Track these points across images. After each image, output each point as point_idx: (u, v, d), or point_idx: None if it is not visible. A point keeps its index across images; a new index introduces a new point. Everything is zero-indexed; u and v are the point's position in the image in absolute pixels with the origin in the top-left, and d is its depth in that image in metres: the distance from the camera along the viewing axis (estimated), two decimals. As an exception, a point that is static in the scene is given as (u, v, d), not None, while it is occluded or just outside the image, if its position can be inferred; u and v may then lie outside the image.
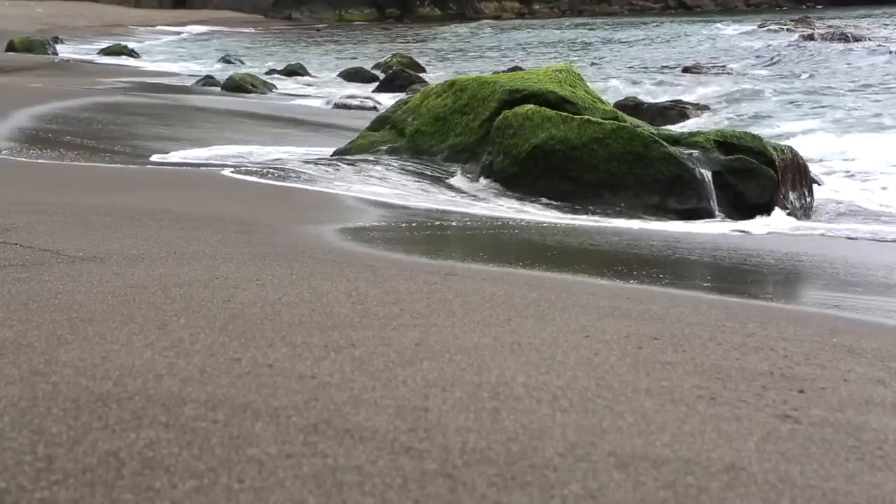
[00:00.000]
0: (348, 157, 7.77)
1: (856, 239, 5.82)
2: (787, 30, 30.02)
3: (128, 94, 12.82)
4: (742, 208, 6.41)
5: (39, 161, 6.78)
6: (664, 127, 7.33)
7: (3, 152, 7.04)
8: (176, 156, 7.93)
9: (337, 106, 14.55)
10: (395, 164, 7.29)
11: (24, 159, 6.80)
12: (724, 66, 20.01)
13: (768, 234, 5.82)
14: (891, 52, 21.11)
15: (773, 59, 21.87)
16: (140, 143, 8.68)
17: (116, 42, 29.08)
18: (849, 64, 20.02)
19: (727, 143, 6.61)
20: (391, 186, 6.63)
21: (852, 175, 8.56)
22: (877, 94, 15.47)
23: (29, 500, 1.50)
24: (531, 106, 6.90)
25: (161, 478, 1.59)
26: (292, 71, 20.36)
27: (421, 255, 4.09)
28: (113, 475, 1.59)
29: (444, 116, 7.59)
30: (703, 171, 6.38)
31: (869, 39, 25.22)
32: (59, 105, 10.38)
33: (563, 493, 1.62)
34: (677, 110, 13.84)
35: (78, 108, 10.34)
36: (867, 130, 11.73)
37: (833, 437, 1.97)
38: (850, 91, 15.71)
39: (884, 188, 7.88)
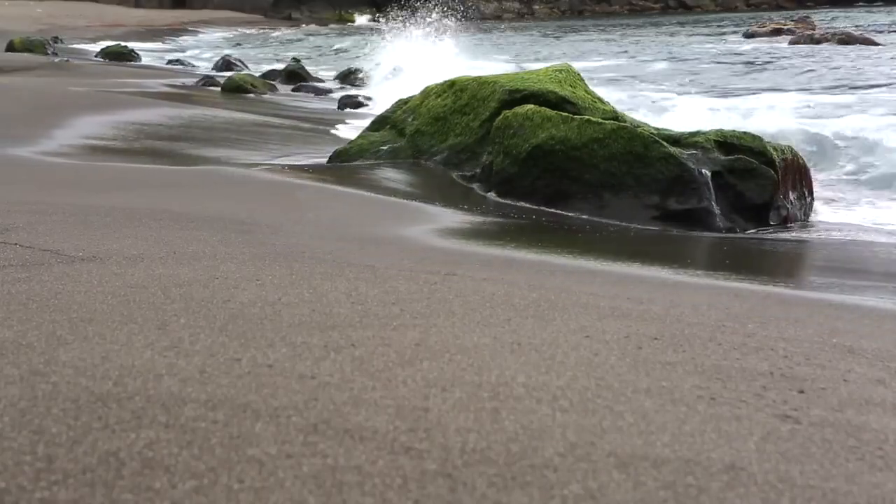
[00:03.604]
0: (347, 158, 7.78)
1: None
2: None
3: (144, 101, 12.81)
4: (742, 209, 6.41)
5: (38, 160, 6.78)
6: (664, 127, 7.32)
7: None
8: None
9: (342, 105, 14.59)
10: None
11: (52, 159, 6.80)
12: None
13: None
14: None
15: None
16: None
17: (117, 43, 29.05)
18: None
19: (727, 144, 6.60)
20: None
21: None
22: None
23: (29, 500, 1.50)
24: (531, 106, 6.90)
25: (161, 478, 1.59)
26: (292, 72, 20.35)
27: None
28: (113, 475, 1.59)
29: (444, 116, 7.59)
30: (703, 171, 6.37)
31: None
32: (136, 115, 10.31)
33: (563, 493, 1.62)
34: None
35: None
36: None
37: (833, 437, 1.98)
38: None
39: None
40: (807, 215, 6.79)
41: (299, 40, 40.82)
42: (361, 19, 59.85)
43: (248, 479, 1.61)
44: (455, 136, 7.44)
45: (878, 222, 6.66)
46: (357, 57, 24.58)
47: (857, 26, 32.28)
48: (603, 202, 6.37)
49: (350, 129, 11.33)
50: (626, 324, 2.80)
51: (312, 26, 56.84)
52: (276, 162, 7.87)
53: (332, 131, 11.44)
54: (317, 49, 34.35)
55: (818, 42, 25.59)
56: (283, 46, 36.65)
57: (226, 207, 4.89)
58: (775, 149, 6.69)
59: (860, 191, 7.85)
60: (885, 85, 15.39)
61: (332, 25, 57.40)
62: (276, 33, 47.08)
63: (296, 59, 24.02)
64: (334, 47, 34.99)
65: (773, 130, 7.11)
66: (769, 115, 10.27)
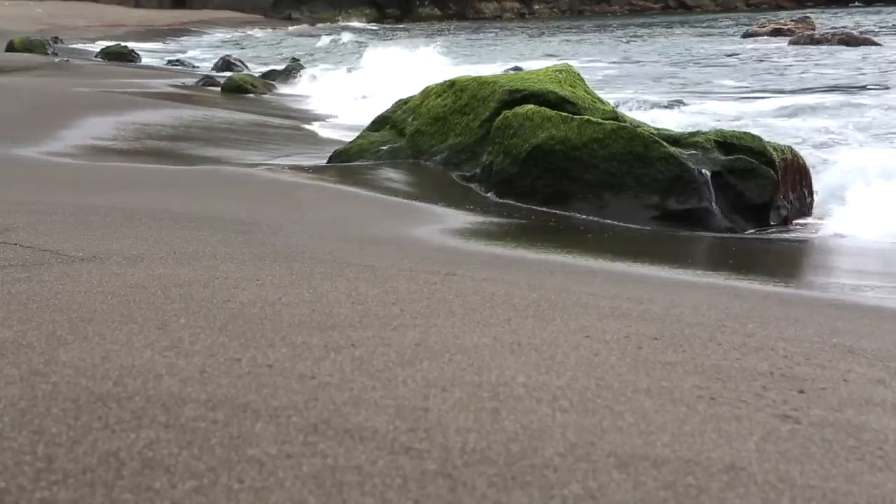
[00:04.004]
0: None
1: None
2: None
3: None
4: (742, 209, 6.41)
5: (38, 160, 6.78)
6: (663, 127, 7.30)
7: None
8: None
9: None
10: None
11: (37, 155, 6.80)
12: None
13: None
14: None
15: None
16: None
17: (117, 43, 29.00)
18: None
19: (727, 144, 6.60)
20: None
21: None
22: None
23: (29, 500, 1.50)
24: (531, 106, 6.89)
25: (161, 478, 1.59)
26: (292, 71, 20.32)
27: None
28: (113, 475, 1.59)
29: (444, 116, 7.59)
30: (703, 171, 6.37)
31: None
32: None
33: (563, 493, 1.62)
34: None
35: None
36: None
37: (833, 437, 1.98)
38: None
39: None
40: (806, 215, 6.79)
41: (279, 42, 40.52)
42: (350, 21, 59.80)
43: (248, 479, 1.61)
44: (455, 136, 7.44)
45: (877, 222, 6.64)
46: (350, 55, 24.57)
47: (860, 28, 32.20)
48: (603, 202, 6.37)
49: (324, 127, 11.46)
50: (626, 324, 2.80)
51: (304, 26, 57.03)
52: (276, 162, 7.87)
53: (307, 126, 11.46)
54: (318, 48, 34.34)
55: (818, 42, 25.52)
56: (285, 47, 36.64)
57: (226, 207, 4.89)
58: (775, 149, 6.68)
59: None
60: (882, 87, 15.32)
61: (319, 25, 57.59)
62: (261, 34, 46.80)
63: (295, 59, 23.98)
64: (316, 45, 34.96)
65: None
66: (713, 118, 9.84)
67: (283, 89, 17.33)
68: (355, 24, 57.08)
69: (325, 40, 36.61)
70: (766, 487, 1.70)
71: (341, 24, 57.04)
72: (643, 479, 1.69)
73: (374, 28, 52.11)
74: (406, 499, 1.57)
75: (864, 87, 15.28)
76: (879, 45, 24.54)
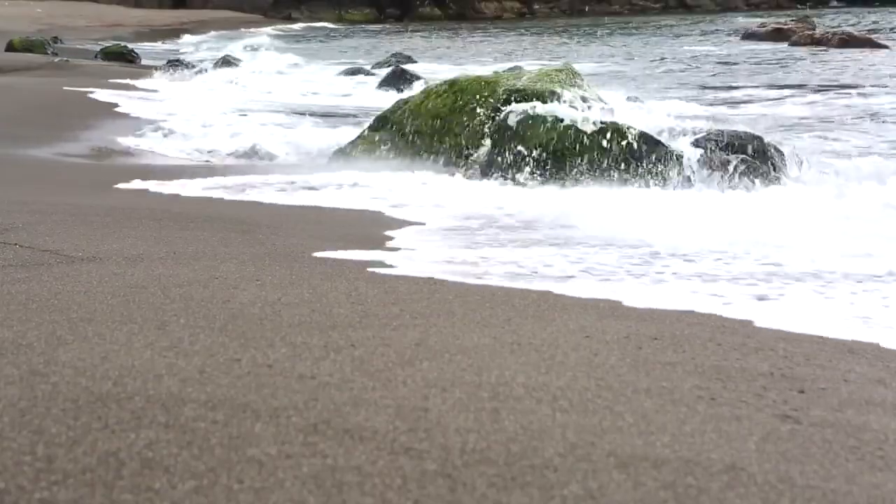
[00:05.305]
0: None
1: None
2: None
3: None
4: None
5: (37, 159, 6.78)
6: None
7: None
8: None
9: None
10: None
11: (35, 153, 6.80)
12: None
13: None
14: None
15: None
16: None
17: (116, 42, 28.91)
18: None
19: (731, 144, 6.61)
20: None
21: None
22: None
23: (29, 500, 1.50)
24: (531, 106, 6.90)
25: (161, 478, 1.59)
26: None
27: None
28: (113, 475, 1.59)
29: (445, 116, 7.59)
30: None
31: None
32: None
33: (563, 494, 1.62)
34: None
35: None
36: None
37: (833, 437, 1.98)
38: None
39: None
40: None
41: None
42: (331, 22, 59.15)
43: (248, 479, 1.61)
44: (455, 135, 7.44)
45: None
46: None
47: (866, 27, 32.01)
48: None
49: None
50: (626, 324, 2.80)
51: (303, 24, 56.87)
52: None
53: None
54: (321, 45, 34.23)
55: (818, 43, 25.40)
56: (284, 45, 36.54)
57: (226, 207, 4.89)
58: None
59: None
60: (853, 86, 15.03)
61: (301, 24, 57.32)
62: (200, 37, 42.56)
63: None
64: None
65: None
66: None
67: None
68: (329, 24, 56.57)
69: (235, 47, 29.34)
70: (766, 487, 1.70)
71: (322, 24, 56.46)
72: (643, 479, 1.70)
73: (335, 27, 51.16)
74: (406, 499, 1.57)
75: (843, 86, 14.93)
76: (886, 46, 23.80)
